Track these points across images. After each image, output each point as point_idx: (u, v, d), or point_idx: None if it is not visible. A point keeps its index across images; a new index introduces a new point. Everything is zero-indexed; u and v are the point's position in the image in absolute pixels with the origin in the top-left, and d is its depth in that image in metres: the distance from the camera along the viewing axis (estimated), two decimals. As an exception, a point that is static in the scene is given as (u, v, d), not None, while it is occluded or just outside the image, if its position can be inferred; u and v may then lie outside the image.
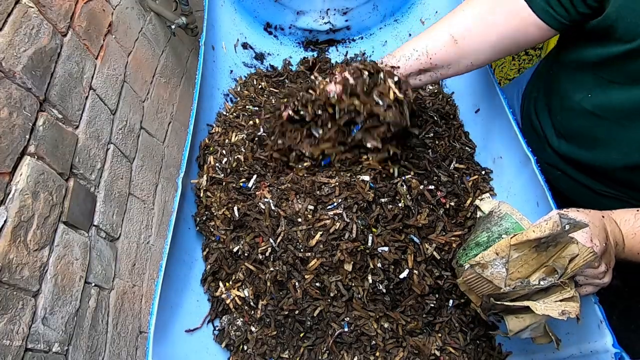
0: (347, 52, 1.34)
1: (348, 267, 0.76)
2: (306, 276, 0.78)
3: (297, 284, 0.79)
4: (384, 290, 0.78)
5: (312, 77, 0.84)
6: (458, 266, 0.77)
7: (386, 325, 0.79)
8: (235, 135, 0.96)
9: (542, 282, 0.60)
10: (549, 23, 0.71)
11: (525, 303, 0.61)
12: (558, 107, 0.83)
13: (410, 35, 1.29)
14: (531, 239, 0.58)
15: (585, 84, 0.76)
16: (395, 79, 0.75)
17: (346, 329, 0.78)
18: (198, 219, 0.92)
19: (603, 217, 0.65)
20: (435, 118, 1.02)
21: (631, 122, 0.71)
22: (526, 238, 0.58)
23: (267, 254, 0.80)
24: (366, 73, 0.76)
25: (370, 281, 0.78)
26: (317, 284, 0.78)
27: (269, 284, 0.81)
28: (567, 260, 0.59)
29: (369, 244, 0.76)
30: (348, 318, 0.79)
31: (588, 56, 0.74)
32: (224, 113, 1.09)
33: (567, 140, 0.83)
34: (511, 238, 0.60)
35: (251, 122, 1.01)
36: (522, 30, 0.73)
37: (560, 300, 0.60)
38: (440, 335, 0.80)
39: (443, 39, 0.77)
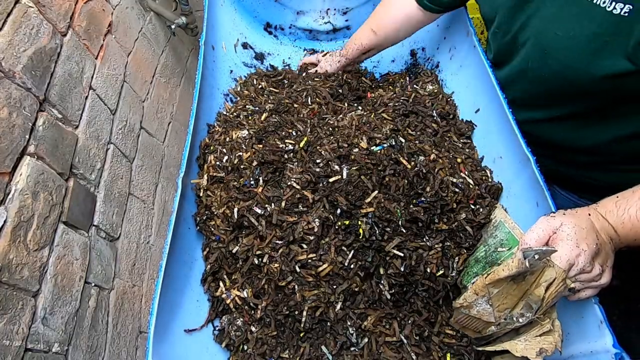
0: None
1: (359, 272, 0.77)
2: (309, 280, 0.78)
3: (296, 287, 0.79)
4: (388, 296, 0.78)
5: None
6: (462, 287, 0.78)
7: (388, 327, 0.79)
8: (236, 133, 0.96)
9: (521, 320, 0.61)
10: (431, 10, 1.01)
11: (506, 346, 0.63)
12: None
13: (410, 35, 1.29)
14: (502, 278, 0.60)
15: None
16: None
17: (353, 337, 0.78)
18: (198, 218, 0.92)
19: (590, 214, 0.65)
20: (436, 118, 1.02)
21: (512, 89, 0.89)
22: (498, 277, 0.60)
23: (264, 259, 0.80)
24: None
25: (377, 287, 0.78)
26: (318, 291, 0.78)
27: (266, 286, 0.81)
28: (544, 289, 0.59)
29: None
30: (349, 322, 0.79)
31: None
32: (224, 113, 1.09)
33: None
34: (485, 278, 0.62)
35: (252, 120, 1.01)
36: (414, 17, 1.05)
37: (540, 335, 0.61)
38: (440, 336, 0.80)
39: (368, 33, 1.11)
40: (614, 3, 0.64)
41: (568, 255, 0.59)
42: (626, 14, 0.63)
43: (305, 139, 0.89)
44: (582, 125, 0.83)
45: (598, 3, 0.66)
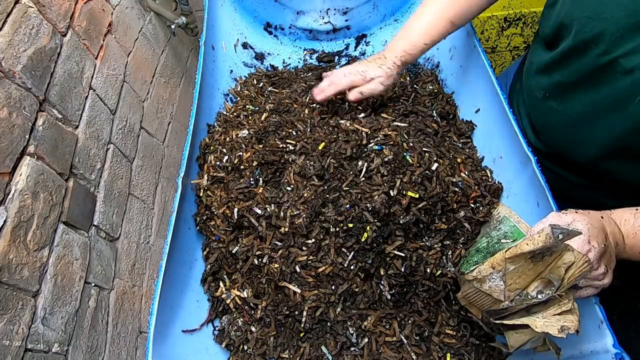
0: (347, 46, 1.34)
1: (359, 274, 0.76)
2: (309, 280, 0.78)
3: (296, 287, 0.79)
4: (388, 297, 0.78)
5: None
6: (460, 274, 0.77)
7: (388, 327, 0.79)
8: (236, 133, 0.96)
9: (539, 296, 0.60)
10: None
11: (525, 321, 0.62)
12: (529, 102, 0.89)
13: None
14: (525, 252, 0.58)
15: (544, 84, 0.83)
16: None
17: (353, 338, 0.78)
18: (198, 218, 0.92)
19: (602, 217, 0.65)
20: (436, 118, 1.02)
21: (589, 122, 0.75)
22: (520, 251, 0.59)
23: (264, 259, 0.80)
24: None
25: (378, 288, 0.78)
26: (317, 291, 0.78)
27: (266, 286, 0.81)
28: (563, 270, 0.58)
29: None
30: (349, 322, 0.79)
31: (542, 58, 0.83)
32: (224, 113, 1.09)
33: (540, 135, 0.88)
34: (505, 252, 0.61)
35: (252, 120, 1.01)
36: None
37: (559, 314, 0.60)
38: (440, 336, 0.80)
39: (445, 26, 0.90)
40: None
41: (580, 249, 0.60)
42: None
43: (323, 144, 0.88)
44: None
45: None
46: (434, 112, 1.03)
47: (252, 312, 0.82)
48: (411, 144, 0.87)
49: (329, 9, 1.32)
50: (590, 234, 0.61)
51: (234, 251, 0.84)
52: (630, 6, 0.64)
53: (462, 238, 0.83)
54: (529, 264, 0.60)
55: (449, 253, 0.81)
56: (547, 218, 0.64)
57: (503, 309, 0.63)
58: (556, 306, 0.61)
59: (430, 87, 1.13)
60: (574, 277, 0.59)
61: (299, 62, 1.33)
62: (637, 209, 0.67)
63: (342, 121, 0.94)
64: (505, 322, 0.64)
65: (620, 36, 0.66)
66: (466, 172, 0.89)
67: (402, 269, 0.77)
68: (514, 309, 0.63)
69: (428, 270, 0.78)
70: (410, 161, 0.83)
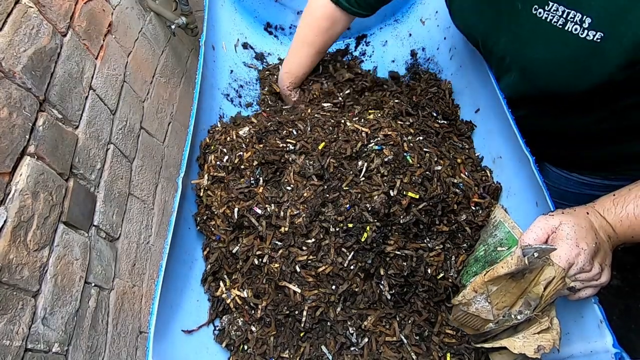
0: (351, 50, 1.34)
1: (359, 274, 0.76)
2: (309, 280, 0.78)
3: (296, 287, 0.79)
4: (388, 297, 0.78)
5: None
6: (461, 286, 0.77)
7: (388, 327, 0.79)
8: (237, 133, 0.96)
9: (519, 317, 0.61)
10: (358, 14, 1.01)
11: (504, 343, 0.63)
12: None
13: (410, 35, 1.29)
14: (501, 275, 0.59)
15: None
16: None
17: (353, 337, 0.78)
18: (198, 218, 0.92)
19: (588, 213, 0.65)
20: (437, 118, 1.02)
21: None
22: (497, 274, 0.60)
23: (264, 259, 0.80)
24: None
25: (378, 287, 0.78)
26: (317, 291, 0.78)
27: (267, 286, 0.81)
28: (542, 288, 0.59)
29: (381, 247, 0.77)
30: (349, 322, 0.79)
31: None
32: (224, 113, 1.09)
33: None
34: (484, 275, 0.62)
35: (253, 120, 1.01)
36: (340, 24, 1.03)
37: (539, 332, 0.61)
38: (440, 336, 0.80)
39: (318, 57, 1.10)
40: (586, 31, 0.63)
41: (568, 254, 0.59)
42: (599, 40, 0.62)
43: (323, 143, 0.88)
44: (570, 115, 0.83)
45: (570, 30, 0.64)
46: (436, 112, 1.03)
47: (252, 311, 0.82)
48: (412, 144, 0.86)
49: (328, 9, 1.31)
50: (578, 236, 0.61)
51: (234, 251, 0.84)
52: (485, 14, 0.82)
53: (465, 244, 0.83)
54: (510, 283, 0.61)
55: (453, 258, 0.81)
56: (535, 223, 0.65)
57: (487, 332, 0.64)
58: (537, 324, 0.61)
59: (432, 88, 1.13)
60: (550, 296, 0.59)
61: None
62: (614, 195, 0.67)
63: (343, 120, 0.94)
64: (485, 345, 0.65)
65: (486, 34, 0.84)
66: (466, 173, 0.89)
67: (402, 270, 0.77)
68: (499, 329, 0.63)
69: (429, 271, 0.78)
70: (411, 161, 0.83)
